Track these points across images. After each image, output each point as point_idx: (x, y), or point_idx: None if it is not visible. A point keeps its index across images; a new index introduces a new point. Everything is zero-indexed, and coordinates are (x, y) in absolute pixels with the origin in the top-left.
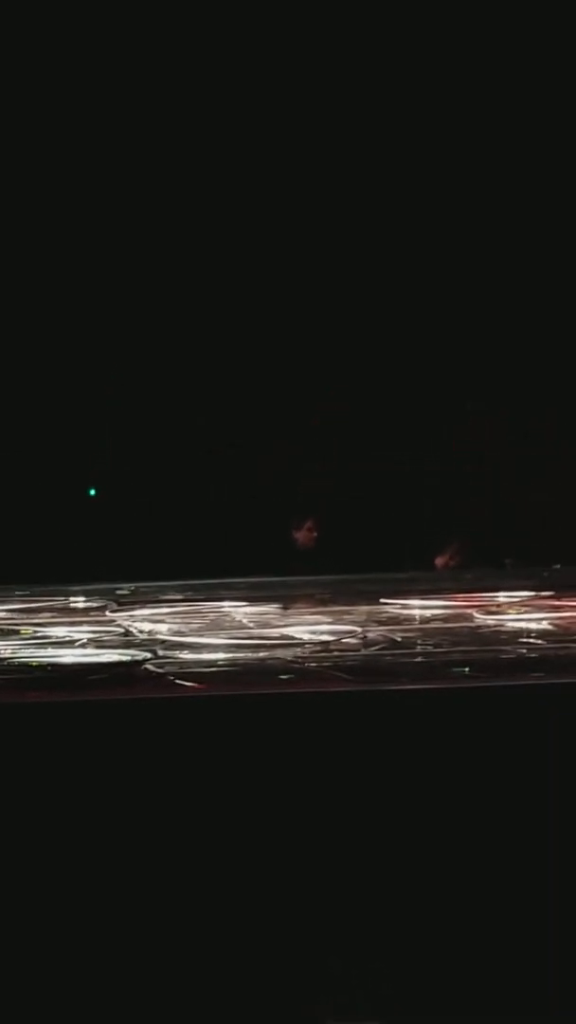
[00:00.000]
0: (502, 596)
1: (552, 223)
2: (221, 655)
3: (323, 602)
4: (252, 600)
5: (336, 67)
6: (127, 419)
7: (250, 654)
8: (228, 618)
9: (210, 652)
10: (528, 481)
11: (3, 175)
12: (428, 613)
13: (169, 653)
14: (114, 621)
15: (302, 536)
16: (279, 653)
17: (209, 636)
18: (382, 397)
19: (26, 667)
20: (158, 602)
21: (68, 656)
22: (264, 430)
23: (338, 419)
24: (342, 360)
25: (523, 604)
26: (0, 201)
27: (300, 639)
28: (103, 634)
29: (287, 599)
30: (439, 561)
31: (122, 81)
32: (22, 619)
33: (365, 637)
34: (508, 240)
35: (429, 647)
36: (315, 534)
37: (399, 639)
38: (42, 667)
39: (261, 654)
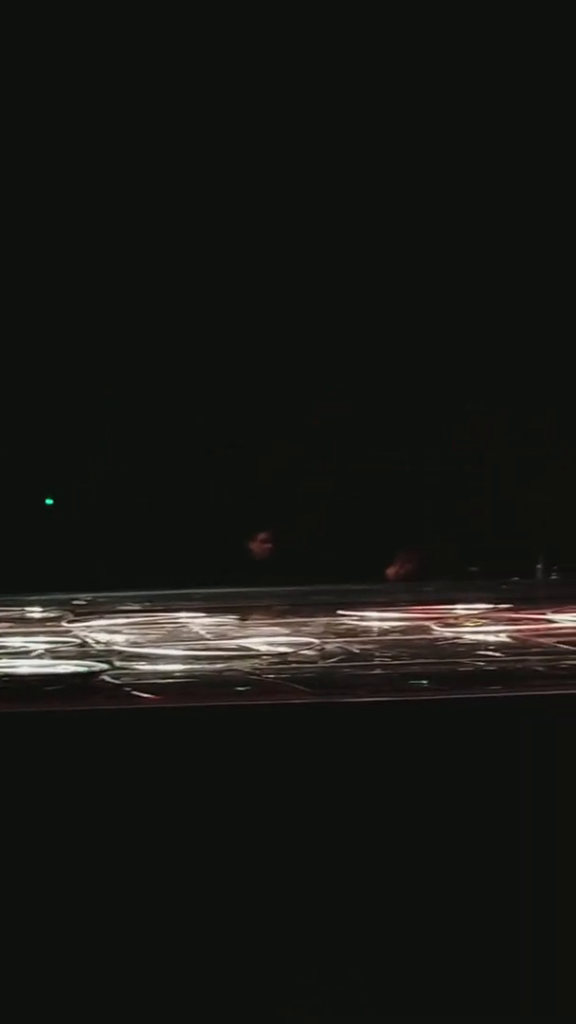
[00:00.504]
0: (460, 608)
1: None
2: (178, 666)
3: (281, 614)
4: (209, 611)
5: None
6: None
7: (207, 666)
8: (185, 629)
9: (167, 663)
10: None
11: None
12: (386, 625)
13: (126, 664)
14: (71, 632)
15: (257, 547)
16: (236, 664)
17: (166, 647)
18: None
19: None
20: (115, 613)
21: (24, 667)
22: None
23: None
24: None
25: (481, 616)
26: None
27: (257, 650)
28: (59, 645)
29: (245, 610)
30: (391, 571)
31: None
32: None
33: (322, 649)
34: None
35: (387, 659)
36: (269, 546)
37: (356, 651)
38: None
39: (218, 666)
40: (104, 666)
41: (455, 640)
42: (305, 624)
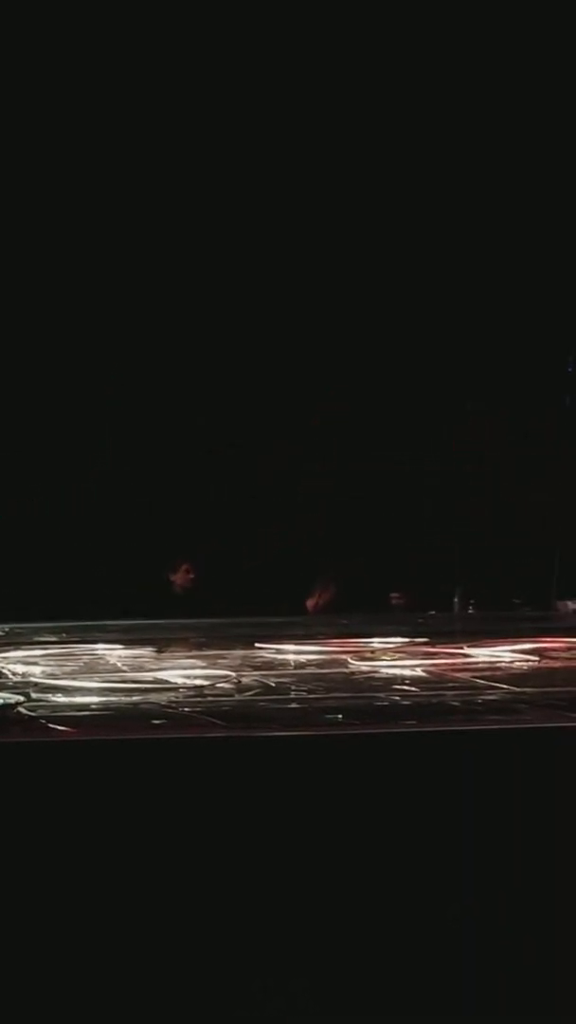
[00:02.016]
0: (377, 642)
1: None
2: (94, 699)
3: (198, 646)
4: (127, 643)
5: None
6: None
7: (123, 698)
8: (102, 661)
9: (83, 696)
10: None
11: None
12: (303, 658)
13: (42, 696)
14: None
15: (179, 579)
16: (153, 697)
17: (83, 679)
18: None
19: None
20: (32, 644)
21: None
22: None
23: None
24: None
25: (397, 650)
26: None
27: (174, 683)
28: None
29: (162, 642)
30: (309, 603)
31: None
32: None
33: (239, 682)
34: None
35: (303, 693)
36: (192, 576)
37: (273, 684)
38: None
39: (135, 698)
40: (20, 698)
41: (371, 674)
42: (222, 657)
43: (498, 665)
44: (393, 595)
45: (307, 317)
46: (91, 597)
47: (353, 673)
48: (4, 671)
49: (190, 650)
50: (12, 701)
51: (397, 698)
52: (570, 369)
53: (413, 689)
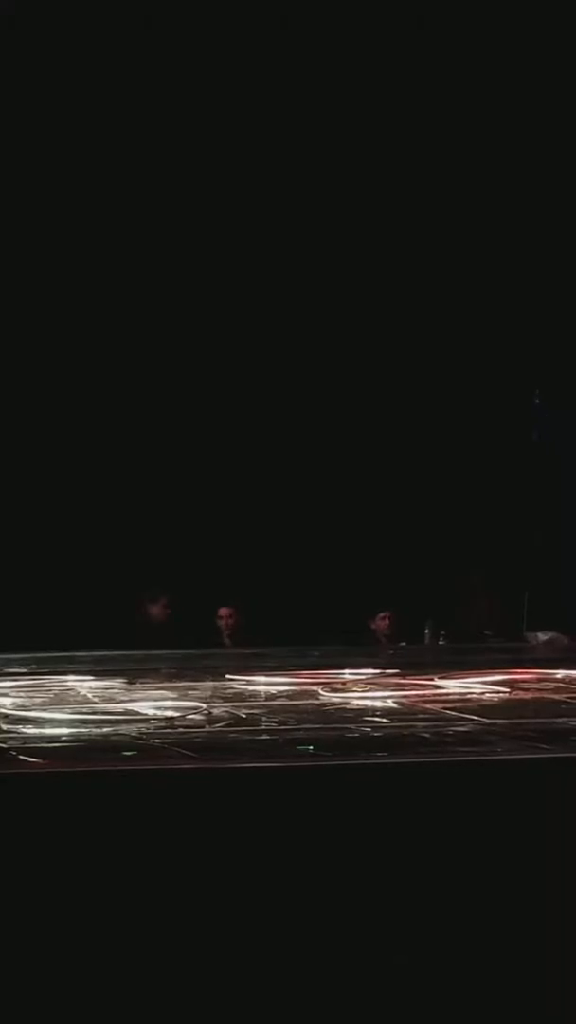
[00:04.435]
0: (348, 673)
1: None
2: (65, 730)
3: (169, 677)
4: (97, 674)
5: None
6: None
7: (94, 730)
8: (72, 692)
9: (54, 727)
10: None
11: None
12: (273, 690)
13: (12, 728)
14: None
15: (157, 611)
16: (123, 729)
17: (53, 711)
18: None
19: None
20: (1, 675)
21: None
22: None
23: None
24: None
25: (368, 682)
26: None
27: (144, 715)
28: None
29: (133, 674)
30: (154, 610)
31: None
32: None
33: (210, 713)
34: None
35: (274, 724)
36: (169, 610)
37: (244, 716)
38: None
39: (105, 730)
40: None
41: (342, 705)
42: (193, 688)
43: (469, 696)
44: (380, 615)
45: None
46: (62, 628)
47: (324, 704)
48: None
49: (161, 681)
50: None
51: (368, 730)
52: (537, 402)
53: (384, 720)
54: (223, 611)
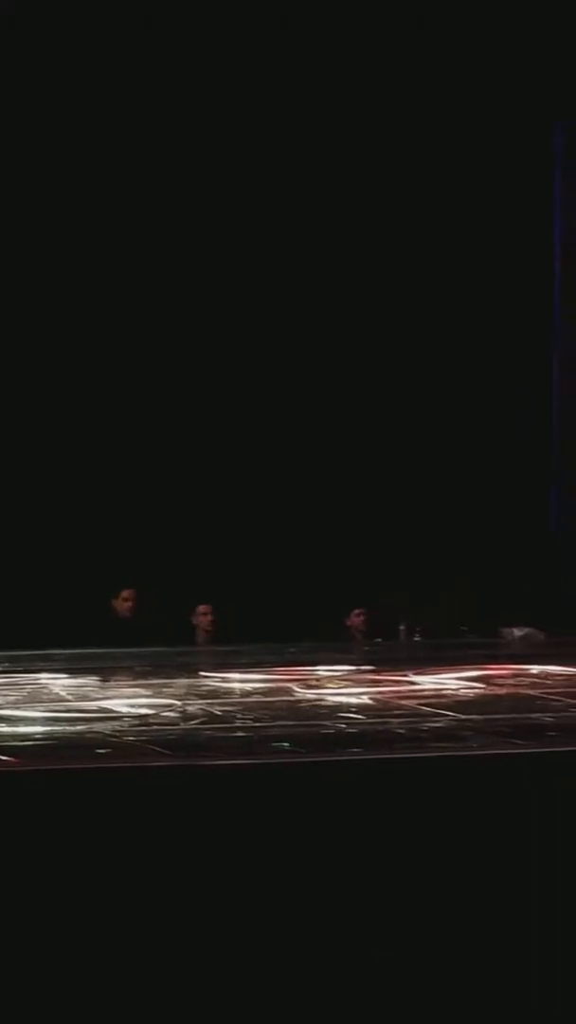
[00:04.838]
0: (322, 670)
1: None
2: (38, 728)
3: (142, 675)
4: (71, 672)
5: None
6: None
7: (68, 727)
8: (46, 690)
9: (27, 725)
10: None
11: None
12: (248, 687)
13: None
14: None
15: (119, 605)
16: (97, 727)
17: (27, 709)
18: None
19: None
20: None
21: None
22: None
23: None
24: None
25: (343, 678)
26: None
27: (118, 712)
28: None
29: (106, 672)
30: (118, 604)
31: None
32: None
33: (184, 711)
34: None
35: (249, 721)
36: (131, 604)
37: (218, 713)
38: None
39: (79, 727)
40: None
41: (317, 702)
42: (167, 686)
43: (444, 692)
44: (355, 612)
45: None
46: (34, 626)
47: (299, 701)
48: None
49: (135, 679)
50: None
51: (343, 726)
52: (517, 391)
53: (359, 717)
54: (202, 608)
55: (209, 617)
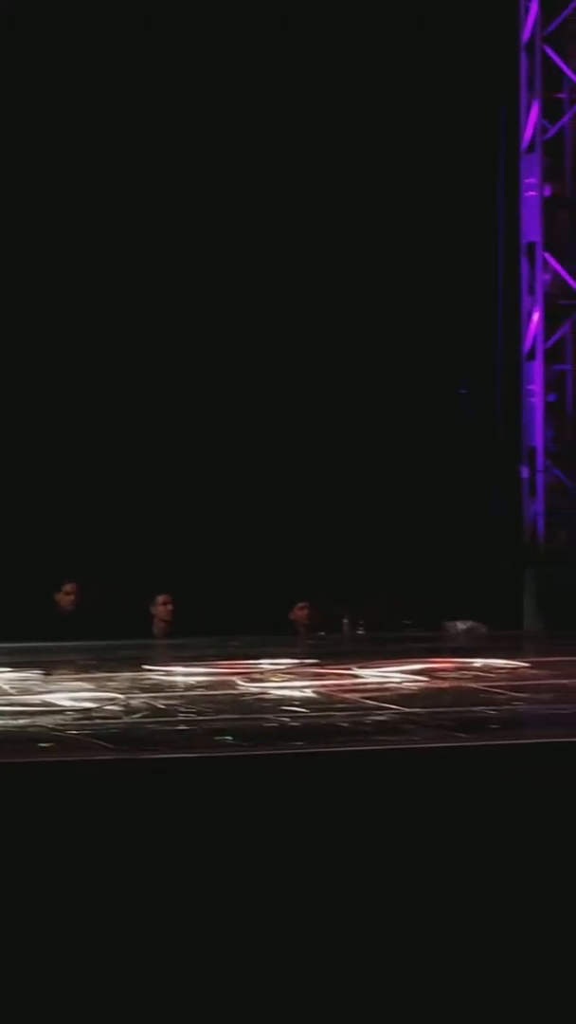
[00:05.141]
0: (266, 663)
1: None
2: None
3: (85, 668)
4: (13, 666)
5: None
6: None
7: (10, 721)
8: None
9: None
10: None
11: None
12: (191, 680)
13: None
14: None
15: (61, 599)
16: (40, 720)
17: None
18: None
19: None
20: None
21: None
22: None
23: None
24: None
25: (287, 672)
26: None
27: (61, 706)
28: None
29: (49, 665)
30: (60, 598)
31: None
32: None
33: (127, 705)
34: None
35: (192, 715)
36: (73, 597)
37: (162, 707)
38: None
39: (21, 721)
40: None
41: (260, 695)
42: (110, 679)
43: (387, 686)
44: (298, 605)
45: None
46: None
47: (242, 695)
48: None
49: (78, 672)
50: None
51: (286, 719)
52: (462, 391)
53: (302, 710)
54: (161, 598)
55: (169, 607)
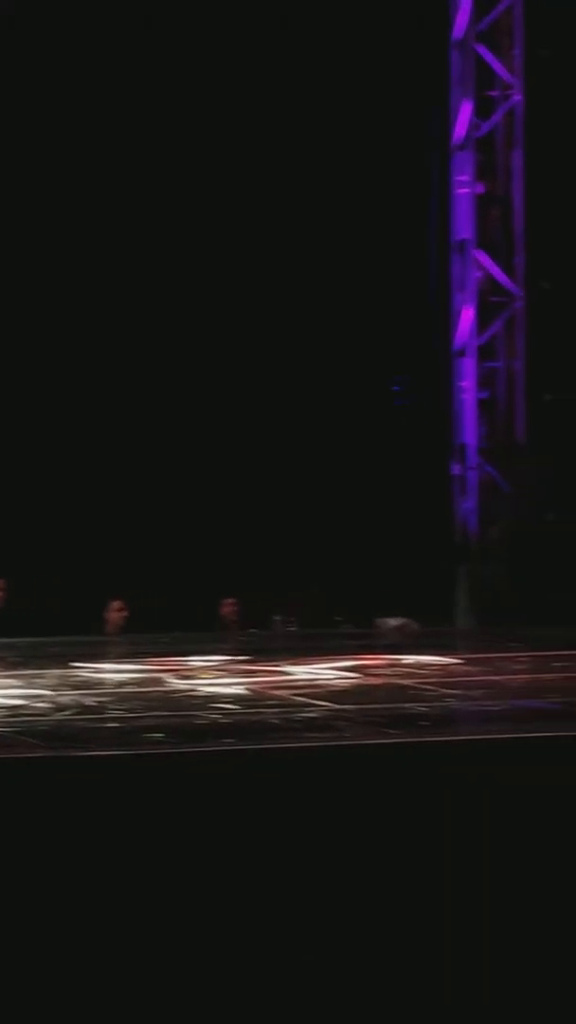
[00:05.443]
0: (196, 660)
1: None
2: None
3: (13, 665)
4: None
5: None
6: None
7: None
8: None
9: None
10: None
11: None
12: (121, 677)
13: None
14: None
15: None
16: None
17: None
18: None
19: None
20: None
21: None
22: None
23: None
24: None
25: (217, 669)
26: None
27: None
28: None
29: None
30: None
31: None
32: None
33: (56, 701)
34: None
35: (121, 712)
36: (2, 594)
37: (91, 704)
38: None
39: None
40: None
41: (190, 692)
42: (39, 676)
43: (318, 682)
44: (227, 601)
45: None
46: None
47: (172, 692)
48: None
49: (6, 669)
50: None
51: (217, 716)
52: (396, 389)
53: (233, 707)
54: (115, 604)
55: (124, 613)
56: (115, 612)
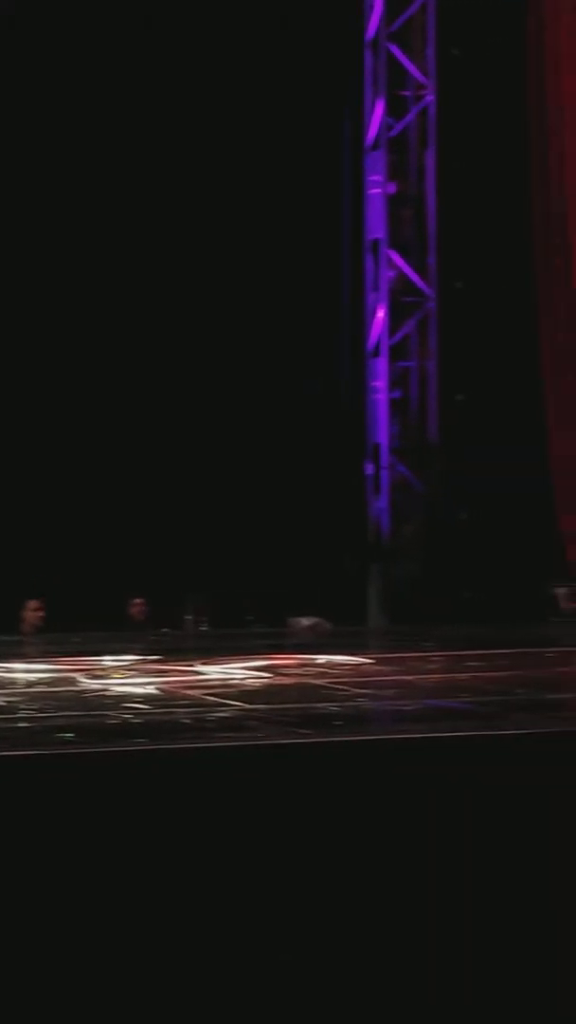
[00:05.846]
0: (108, 660)
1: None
2: None
3: None
4: None
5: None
6: None
7: None
8: None
9: None
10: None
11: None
12: (32, 677)
13: None
14: None
15: None
16: None
17: None
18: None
19: None
20: None
21: None
22: None
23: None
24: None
25: (129, 668)
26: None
27: None
28: None
29: None
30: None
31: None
32: None
33: None
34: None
35: (32, 712)
36: (41, 613)
37: (2, 703)
38: None
39: None
40: None
41: (102, 692)
42: None
43: (230, 682)
44: (135, 601)
45: None
46: None
47: (84, 691)
48: None
49: None
50: None
51: (128, 716)
52: (306, 391)
53: (144, 707)
54: (32, 604)
55: (40, 613)
56: (31, 612)
